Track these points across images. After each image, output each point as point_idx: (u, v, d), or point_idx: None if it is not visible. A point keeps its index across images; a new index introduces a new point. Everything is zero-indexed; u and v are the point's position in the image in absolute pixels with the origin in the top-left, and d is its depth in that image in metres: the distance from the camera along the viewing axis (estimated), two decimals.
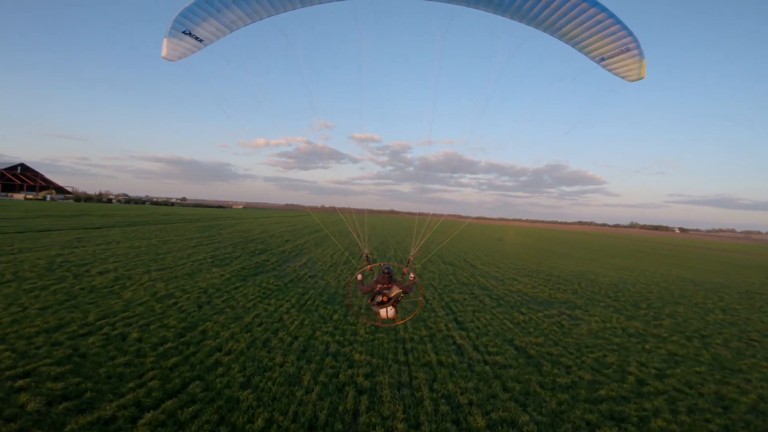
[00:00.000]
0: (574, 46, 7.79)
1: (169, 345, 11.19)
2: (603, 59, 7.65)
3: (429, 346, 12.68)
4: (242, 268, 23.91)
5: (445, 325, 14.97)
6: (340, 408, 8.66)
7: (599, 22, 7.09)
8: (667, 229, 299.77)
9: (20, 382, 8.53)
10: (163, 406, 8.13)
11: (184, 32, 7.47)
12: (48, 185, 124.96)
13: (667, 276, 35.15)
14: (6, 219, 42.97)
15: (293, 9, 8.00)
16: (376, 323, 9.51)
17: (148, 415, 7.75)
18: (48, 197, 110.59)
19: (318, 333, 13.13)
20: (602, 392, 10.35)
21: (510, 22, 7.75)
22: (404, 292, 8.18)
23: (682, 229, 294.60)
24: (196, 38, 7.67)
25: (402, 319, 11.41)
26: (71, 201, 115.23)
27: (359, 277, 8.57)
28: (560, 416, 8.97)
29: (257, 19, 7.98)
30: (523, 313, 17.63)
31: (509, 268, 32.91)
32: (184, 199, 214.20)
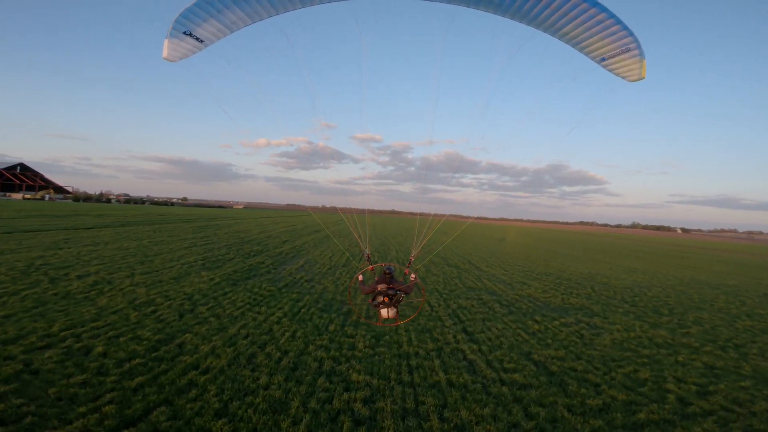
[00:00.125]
0: (574, 46, 7.75)
1: (137, 361, 9.74)
2: (603, 59, 7.61)
3: (437, 362, 11.19)
4: (234, 271, 22.44)
5: (454, 337, 13.47)
6: None
7: (600, 22, 7.03)
8: (669, 229, 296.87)
9: None
10: None
11: (184, 33, 7.46)
12: (48, 185, 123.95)
13: (681, 278, 33.58)
14: None
15: (293, 9, 7.97)
16: (378, 323, 9.16)
17: None
18: (46, 197, 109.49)
19: (311, 347, 11.65)
20: (641, 415, 8.98)
21: (510, 23, 7.74)
22: (405, 293, 8.06)
23: (684, 230, 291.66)
24: (197, 39, 7.66)
25: (403, 319, 11.41)
26: (70, 201, 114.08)
27: (360, 277, 8.43)
28: None
29: (258, 20, 7.95)
30: (537, 322, 16.11)
31: (516, 270, 31.37)
32: (185, 199, 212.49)
